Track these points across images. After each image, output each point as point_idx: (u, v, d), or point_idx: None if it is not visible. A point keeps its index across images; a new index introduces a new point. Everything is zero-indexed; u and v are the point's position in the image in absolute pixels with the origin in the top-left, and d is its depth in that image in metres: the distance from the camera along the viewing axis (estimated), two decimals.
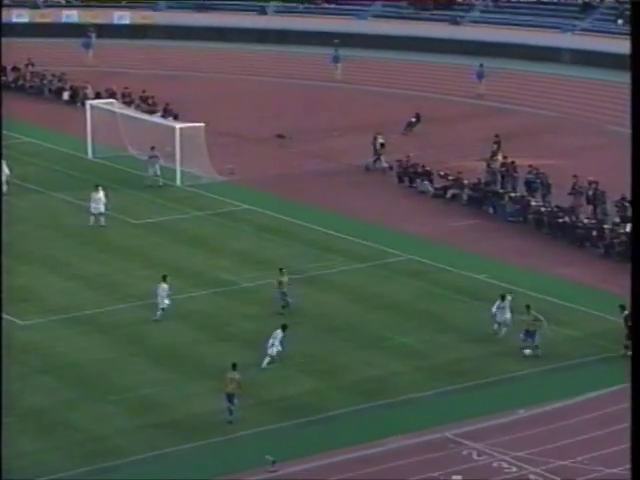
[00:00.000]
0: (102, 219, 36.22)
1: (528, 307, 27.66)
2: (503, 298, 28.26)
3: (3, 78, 55.01)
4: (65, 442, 23.47)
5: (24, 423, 24.00)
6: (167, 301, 29.11)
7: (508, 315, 28.09)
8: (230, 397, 24.24)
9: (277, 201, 38.87)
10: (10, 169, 39.62)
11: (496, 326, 28.09)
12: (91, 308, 30.15)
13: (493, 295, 30.68)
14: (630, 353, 27.21)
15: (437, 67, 57.82)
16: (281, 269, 30.11)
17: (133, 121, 42.50)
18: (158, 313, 29.12)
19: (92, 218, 36.23)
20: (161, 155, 40.80)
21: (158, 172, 40.57)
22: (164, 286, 29.18)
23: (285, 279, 29.81)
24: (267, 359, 26.73)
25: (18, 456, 22.56)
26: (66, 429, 24.01)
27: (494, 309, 28.15)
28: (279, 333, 26.87)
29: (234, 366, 24.64)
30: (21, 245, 34.74)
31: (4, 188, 38.99)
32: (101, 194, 36.37)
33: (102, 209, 36.22)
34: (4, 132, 44.90)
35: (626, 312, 27.08)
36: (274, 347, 26.69)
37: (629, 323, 26.60)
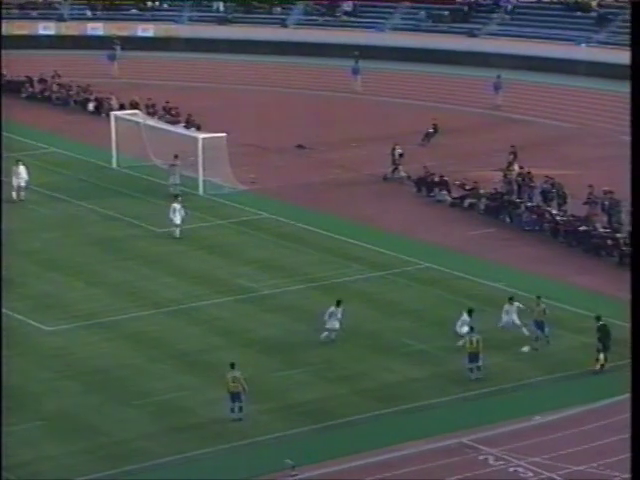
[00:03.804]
0: (177, 231, 36.16)
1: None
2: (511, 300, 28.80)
3: (30, 89, 55.96)
4: (89, 445, 23.81)
5: (49, 427, 24.46)
6: (337, 325, 28.36)
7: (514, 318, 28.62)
8: (235, 396, 24.65)
9: (297, 210, 39.32)
10: (29, 174, 39.99)
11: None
12: (115, 314, 30.56)
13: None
14: (599, 366, 27.23)
15: (455, 79, 58.14)
16: (538, 297, 28.77)
17: (156, 131, 42.94)
18: (324, 334, 28.44)
19: (177, 230, 36.18)
20: (182, 164, 41.23)
21: (177, 181, 41.05)
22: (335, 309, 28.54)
23: (542, 307, 28.61)
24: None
25: (43, 459, 23.12)
26: (90, 433, 24.35)
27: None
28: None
29: (232, 365, 25.01)
30: (47, 252, 35.35)
31: (22, 194, 39.68)
32: (178, 205, 36.24)
33: (178, 221, 36.14)
34: (31, 142, 45.89)
35: (600, 322, 27.34)
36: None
37: (600, 334, 26.95)
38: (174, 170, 41.13)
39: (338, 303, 28.58)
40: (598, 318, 27.68)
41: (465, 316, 28.24)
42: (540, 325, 28.46)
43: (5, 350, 26.94)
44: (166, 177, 41.74)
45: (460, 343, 27.80)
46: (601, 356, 27.00)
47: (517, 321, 28.65)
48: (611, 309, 30.26)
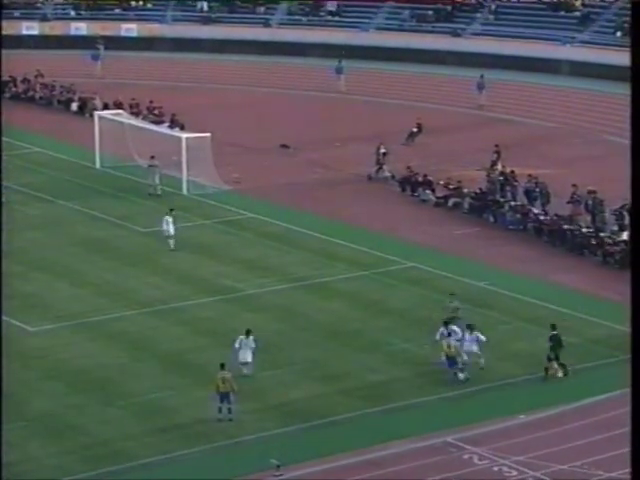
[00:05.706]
0: (171, 242, 35.19)
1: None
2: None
3: (14, 89, 55.77)
4: (73, 446, 23.75)
5: (33, 427, 24.35)
6: (249, 357, 26.72)
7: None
8: (224, 396, 24.68)
9: (281, 209, 39.29)
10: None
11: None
12: (99, 314, 30.50)
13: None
14: (552, 372, 26.91)
15: (438, 78, 58.27)
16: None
17: (140, 131, 42.88)
18: (245, 371, 26.76)
19: (171, 242, 35.16)
20: (161, 164, 41.12)
21: (157, 181, 40.90)
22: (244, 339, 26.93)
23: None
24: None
25: (27, 460, 23.04)
26: (74, 433, 24.30)
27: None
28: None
29: (223, 366, 25.02)
30: (31, 252, 35.20)
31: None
32: (171, 218, 35.24)
33: (172, 232, 35.19)
34: (15, 142, 45.62)
35: (554, 332, 27.01)
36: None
37: (553, 344, 26.65)
38: (153, 170, 41.02)
39: (248, 332, 26.86)
40: (553, 327, 27.27)
41: (442, 328, 27.35)
42: (447, 325, 27.28)
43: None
44: (146, 176, 41.62)
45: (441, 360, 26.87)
46: (555, 365, 26.77)
47: (476, 350, 27.00)
48: (594, 308, 30.45)
